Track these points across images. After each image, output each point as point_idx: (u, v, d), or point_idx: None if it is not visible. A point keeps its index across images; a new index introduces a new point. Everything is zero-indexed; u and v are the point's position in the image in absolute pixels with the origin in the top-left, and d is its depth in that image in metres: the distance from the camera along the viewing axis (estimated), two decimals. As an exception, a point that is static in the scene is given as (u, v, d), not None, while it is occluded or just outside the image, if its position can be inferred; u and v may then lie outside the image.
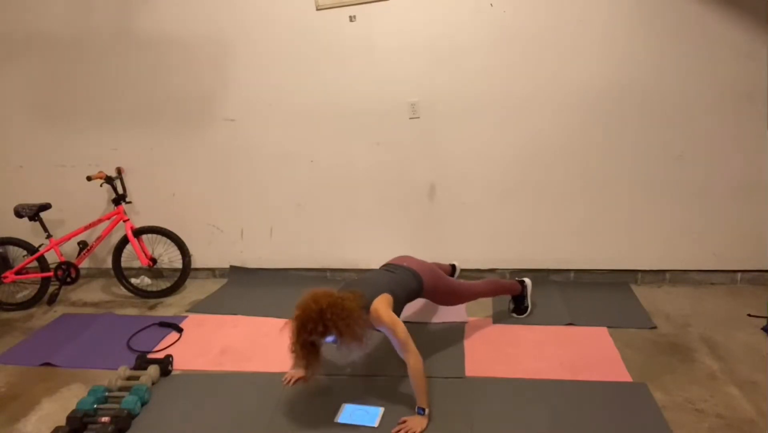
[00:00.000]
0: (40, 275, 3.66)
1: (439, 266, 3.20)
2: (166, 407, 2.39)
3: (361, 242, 3.66)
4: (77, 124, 3.80)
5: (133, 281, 3.78)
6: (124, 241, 3.65)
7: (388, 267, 2.52)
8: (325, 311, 2.00)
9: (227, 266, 3.94)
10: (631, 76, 3.01)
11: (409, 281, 2.41)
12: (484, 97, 3.20)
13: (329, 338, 2.05)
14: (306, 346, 2.06)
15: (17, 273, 3.64)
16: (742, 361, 2.44)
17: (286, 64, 3.38)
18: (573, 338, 2.74)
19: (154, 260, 3.70)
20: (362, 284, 2.30)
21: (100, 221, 3.70)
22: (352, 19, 3.22)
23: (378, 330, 2.23)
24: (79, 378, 2.68)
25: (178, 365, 2.72)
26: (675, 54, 2.94)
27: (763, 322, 2.75)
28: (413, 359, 2.10)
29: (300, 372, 2.39)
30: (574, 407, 2.19)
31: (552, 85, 3.11)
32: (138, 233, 3.64)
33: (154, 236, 3.68)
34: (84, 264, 3.82)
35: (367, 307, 2.14)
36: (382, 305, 2.16)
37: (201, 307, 3.46)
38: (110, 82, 3.65)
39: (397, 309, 2.27)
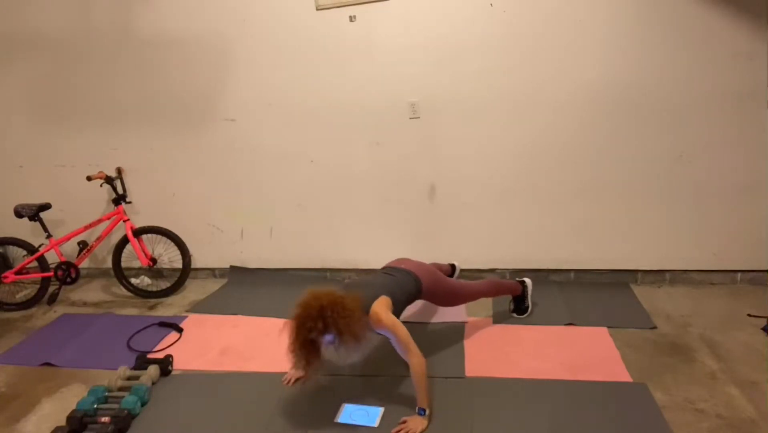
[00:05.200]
0: (40, 275, 3.66)
1: (439, 266, 3.21)
2: (166, 407, 2.39)
3: (361, 242, 3.66)
4: (77, 124, 3.80)
5: (133, 281, 3.78)
6: (124, 241, 3.65)
7: (387, 270, 2.52)
8: (326, 308, 2.00)
9: (227, 266, 3.94)
10: (630, 76, 3.01)
11: (408, 284, 2.42)
12: (485, 96, 3.20)
13: (328, 337, 2.04)
14: (306, 345, 2.05)
15: (17, 273, 3.64)
16: (742, 361, 2.44)
17: (286, 64, 3.38)
18: (573, 338, 2.74)
19: (154, 260, 3.70)
20: (361, 286, 2.30)
21: (100, 221, 3.70)
22: (352, 19, 3.22)
23: (379, 333, 2.23)
24: (79, 378, 2.68)
25: (178, 365, 2.72)
26: (675, 54, 2.94)
27: (763, 322, 2.75)
28: (416, 359, 2.11)
29: (300, 372, 2.39)
30: (574, 407, 2.19)
31: (552, 85, 3.11)
32: (138, 232, 3.64)
33: (154, 235, 3.68)
34: (84, 264, 3.82)
35: (366, 309, 2.15)
36: (381, 307, 2.17)
37: (201, 307, 3.46)
38: (110, 82, 3.65)
39: (397, 311, 2.27)
